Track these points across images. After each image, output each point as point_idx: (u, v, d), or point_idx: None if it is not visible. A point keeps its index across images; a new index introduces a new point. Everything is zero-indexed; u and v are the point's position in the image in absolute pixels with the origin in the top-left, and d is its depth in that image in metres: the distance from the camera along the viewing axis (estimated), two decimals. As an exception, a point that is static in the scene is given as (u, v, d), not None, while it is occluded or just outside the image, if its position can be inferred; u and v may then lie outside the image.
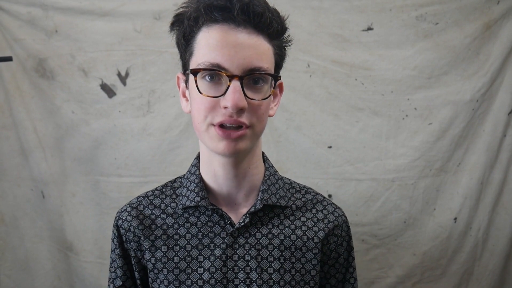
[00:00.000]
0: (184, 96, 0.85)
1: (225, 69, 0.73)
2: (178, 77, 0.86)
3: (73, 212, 1.69)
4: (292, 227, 0.86)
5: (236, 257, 0.82)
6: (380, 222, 1.66)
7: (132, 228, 0.86)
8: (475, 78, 1.63)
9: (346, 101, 1.64)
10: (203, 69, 0.74)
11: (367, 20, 1.60)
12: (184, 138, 1.65)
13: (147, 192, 0.92)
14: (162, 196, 0.90)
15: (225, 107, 0.74)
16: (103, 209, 1.68)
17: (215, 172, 0.84)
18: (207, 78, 0.75)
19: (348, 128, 1.65)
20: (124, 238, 0.87)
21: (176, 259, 0.83)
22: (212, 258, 0.82)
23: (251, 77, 0.75)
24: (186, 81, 0.83)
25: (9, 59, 1.44)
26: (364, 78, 1.62)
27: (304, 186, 0.94)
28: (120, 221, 0.88)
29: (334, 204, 0.93)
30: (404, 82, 1.62)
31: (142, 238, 0.85)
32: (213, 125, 0.76)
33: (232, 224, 0.83)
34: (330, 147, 1.65)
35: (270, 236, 0.84)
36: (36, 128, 1.66)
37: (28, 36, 1.62)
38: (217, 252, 0.82)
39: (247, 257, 0.82)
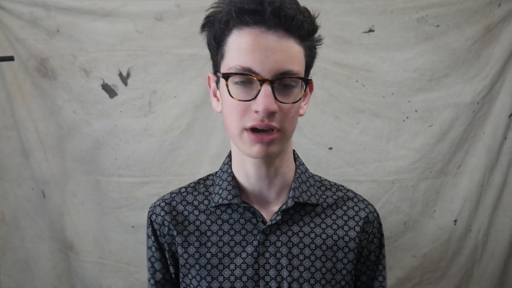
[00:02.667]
0: (215, 96, 0.85)
1: (256, 73, 0.73)
2: (208, 77, 0.87)
3: (74, 212, 1.69)
4: (323, 225, 0.87)
5: (267, 255, 0.83)
6: (381, 224, 1.67)
7: (166, 223, 0.88)
8: (476, 81, 1.63)
9: (347, 103, 1.64)
10: (235, 74, 0.75)
11: (368, 22, 1.61)
12: (184, 139, 1.66)
13: (180, 188, 0.93)
14: (195, 193, 0.91)
15: (256, 111, 0.74)
16: (103, 209, 1.68)
17: (246, 171, 0.85)
18: (238, 82, 0.76)
19: (349, 130, 1.65)
20: (158, 233, 0.89)
21: (208, 255, 0.85)
22: (244, 255, 0.83)
23: (281, 81, 0.75)
24: (217, 82, 0.83)
25: (10, 58, 1.44)
26: (365, 80, 1.63)
27: (335, 184, 0.94)
28: (153, 216, 0.89)
29: (365, 200, 0.93)
30: (405, 84, 1.63)
31: (175, 233, 0.87)
32: (246, 129, 0.77)
33: (264, 222, 0.84)
34: (331, 148, 1.66)
35: (301, 234, 0.85)
36: (38, 128, 1.67)
37: (30, 36, 1.62)
38: (249, 249, 0.83)
39: (278, 255, 0.83)
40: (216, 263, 0.84)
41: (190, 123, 1.64)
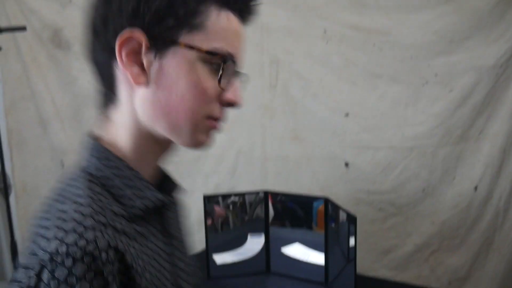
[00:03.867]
0: (140, 65, 0.61)
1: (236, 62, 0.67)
2: (127, 37, 0.58)
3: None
4: None
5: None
6: (398, 191, 1.64)
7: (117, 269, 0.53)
8: (499, 43, 1.57)
9: (363, 68, 1.60)
10: (232, 60, 0.63)
11: (386, -17, 1.55)
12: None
13: (92, 220, 0.54)
14: (114, 217, 0.59)
15: (229, 102, 0.65)
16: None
17: (149, 163, 0.68)
18: (213, 64, 0.62)
19: (366, 96, 1.61)
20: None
21: (158, 275, 0.62)
22: (163, 254, 0.66)
23: None
24: (158, 49, 0.60)
25: (23, 28, 1.44)
26: (383, 44, 1.58)
27: None
28: (103, 258, 0.51)
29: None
30: (424, 47, 1.57)
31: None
32: (208, 117, 0.64)
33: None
34: (347, 114, 1.62)
35: None
36: (54, 98, 1.68)
37: (43, 7, 1.62)
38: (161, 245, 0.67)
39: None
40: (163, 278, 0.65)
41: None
